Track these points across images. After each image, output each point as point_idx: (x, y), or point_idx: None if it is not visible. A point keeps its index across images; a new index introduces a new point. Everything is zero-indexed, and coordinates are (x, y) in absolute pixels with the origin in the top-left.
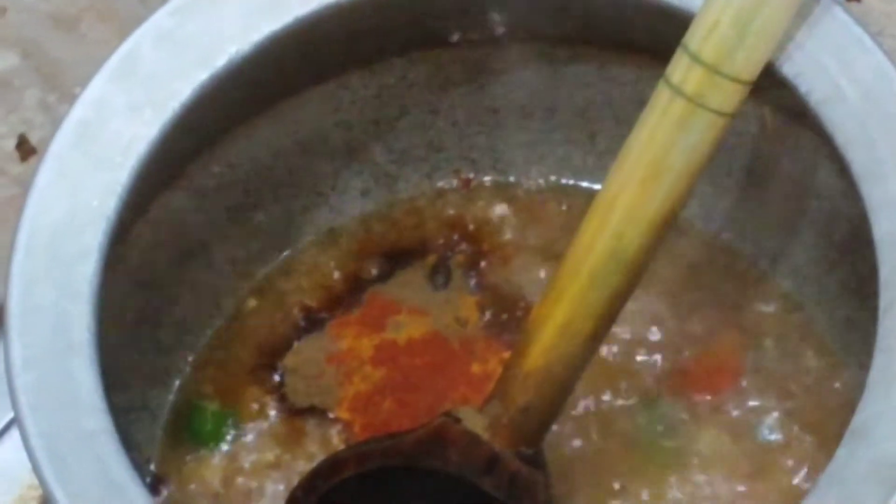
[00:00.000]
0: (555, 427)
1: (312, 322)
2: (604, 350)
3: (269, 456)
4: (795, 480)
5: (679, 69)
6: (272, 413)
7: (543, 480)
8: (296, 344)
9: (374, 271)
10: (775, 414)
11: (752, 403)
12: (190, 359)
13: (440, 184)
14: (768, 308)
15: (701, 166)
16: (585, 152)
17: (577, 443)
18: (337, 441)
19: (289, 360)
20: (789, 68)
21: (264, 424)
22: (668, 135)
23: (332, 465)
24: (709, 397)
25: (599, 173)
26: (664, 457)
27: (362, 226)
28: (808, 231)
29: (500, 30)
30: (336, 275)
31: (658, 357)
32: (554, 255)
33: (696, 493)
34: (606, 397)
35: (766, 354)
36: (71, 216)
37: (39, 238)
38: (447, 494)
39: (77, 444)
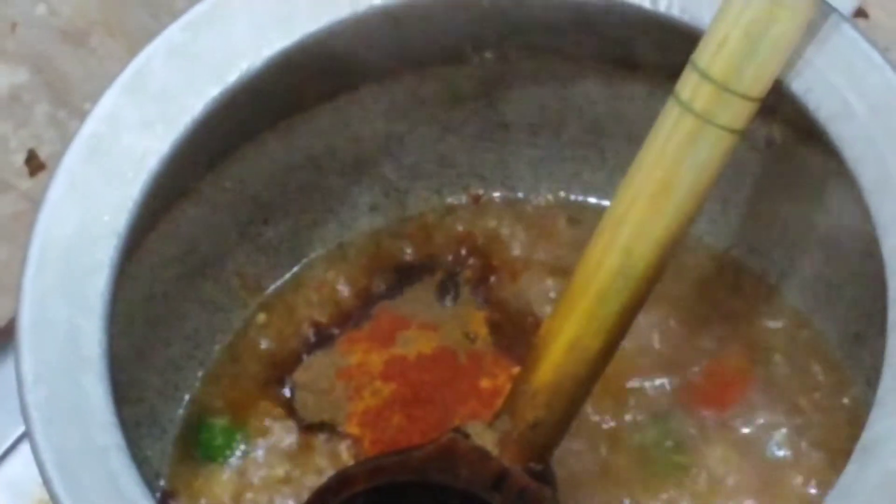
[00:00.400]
0: (564, 442)
1: (322, 337)
2: (612, 365)
3: (279, 471)
4: (804, 496)
5: (688, 86)
6: (282, 428)
7: (552, 496)
8: (305, 359)
9: (384, 286)
10: (784, 430)
11: (760, 419)
12: (200, 374)
13: (449, 199)
14: (777, 324)
15: (710, 182)
16: (595, 168)
17: (586, 458)
18: (346, 456)
19: (298, 376)
20: (798, 85)
21: (274, 439)
22: (678, 151)
23: (341, 481)
24: (717, 413)
25: (609, 189)
26: (673, 472)
27: (372, 241)
28: (817, 247)
29: (512, 48)
30: (346, 290)
31: (667, 373)
32: (563, 270)
33: None
34: (615, 413)
35: (774, 370)
36: (82, 231)
37: (51, 253)
38: None
39: (88, 458)
